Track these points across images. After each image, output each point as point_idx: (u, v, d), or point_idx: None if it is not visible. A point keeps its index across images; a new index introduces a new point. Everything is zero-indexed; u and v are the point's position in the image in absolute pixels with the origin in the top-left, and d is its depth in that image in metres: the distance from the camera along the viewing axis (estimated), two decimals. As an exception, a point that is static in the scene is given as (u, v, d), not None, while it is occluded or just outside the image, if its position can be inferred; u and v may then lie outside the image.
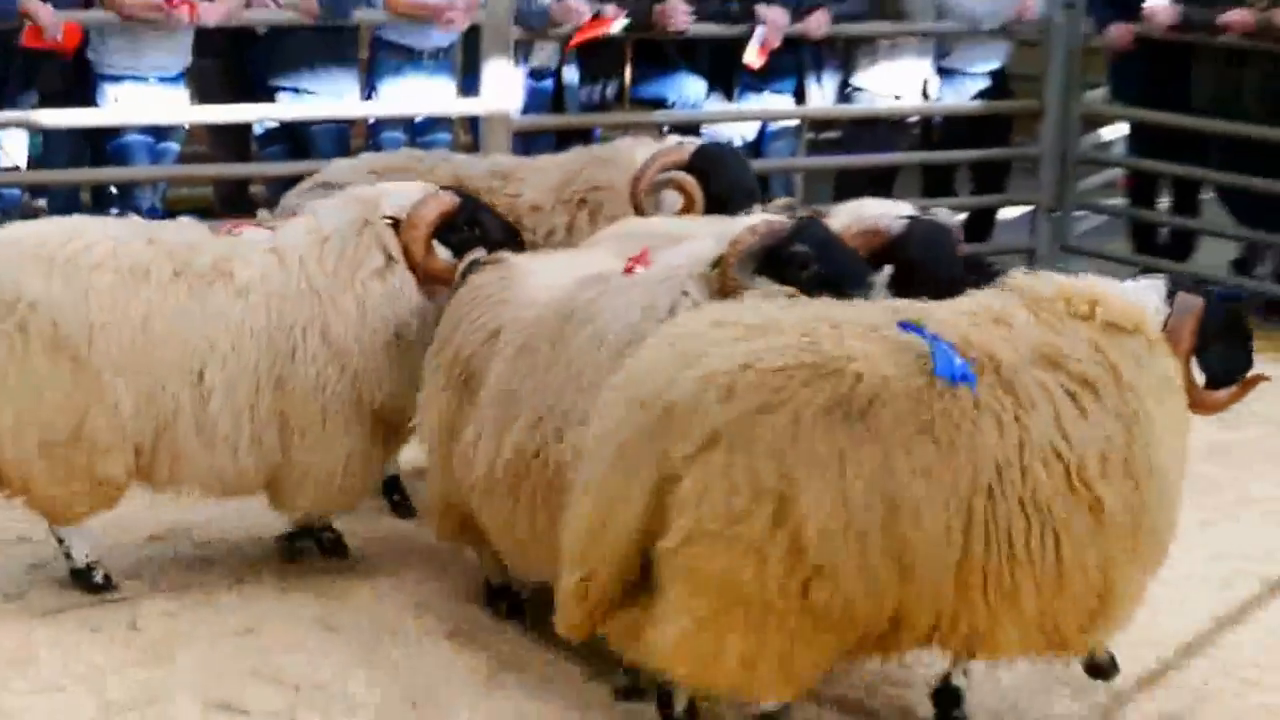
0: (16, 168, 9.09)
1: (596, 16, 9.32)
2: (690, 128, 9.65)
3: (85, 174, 9.19)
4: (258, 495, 5.99)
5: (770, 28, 9.63)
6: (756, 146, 10.44)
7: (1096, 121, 11.37)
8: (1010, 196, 11.57)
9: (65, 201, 9.21)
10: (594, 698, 5.10)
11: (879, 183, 10.39)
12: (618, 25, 9.37)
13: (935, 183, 11.22)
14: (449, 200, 5.67)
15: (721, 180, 5.85)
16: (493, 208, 6.01)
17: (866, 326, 4.41)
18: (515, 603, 5.68)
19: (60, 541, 5.73)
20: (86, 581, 5.68)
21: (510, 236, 5.76)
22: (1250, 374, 5.12)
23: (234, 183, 9.93)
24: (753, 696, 4.60)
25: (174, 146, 9.19)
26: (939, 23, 10.59)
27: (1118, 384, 4.60)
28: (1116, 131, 11.25)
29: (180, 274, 5.51)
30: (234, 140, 9.73)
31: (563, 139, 9.54)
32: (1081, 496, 4.37)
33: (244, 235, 5.92)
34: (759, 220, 5.02)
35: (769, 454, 4.13)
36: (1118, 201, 11.38)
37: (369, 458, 5.87)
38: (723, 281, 4.99)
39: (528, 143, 9.27)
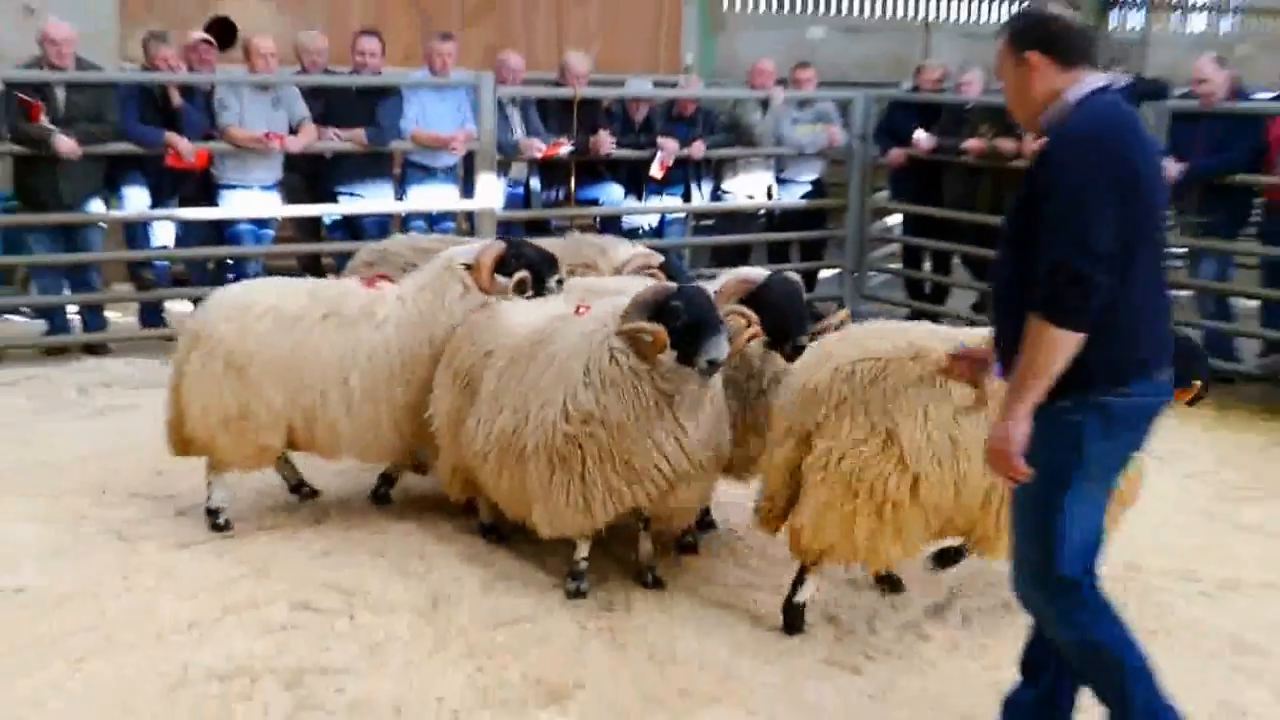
0: (165, 247, 9.22)
1: (553, 144, 9.73)
2: (613, 218, 10.38)
3: (211, 252, 9.36)
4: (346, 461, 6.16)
5: (666, 152, 10.18)
6: (658, 230, 10.80)
7: (881, 213, 11.68)
8: (826, 262, 11.77)
9: (198, 270, 9.53)
10: (557, 597, 5.15)
11: (740, 255, 10.90)
12: (565, 150, 9.81)
13: (777, 254, 11.34)
14: (501, 245, 5.87)
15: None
16: (531, 243, 6.08)
17: (940, 337, 4.77)
18: (501, 534, 5.77)
19: (208, 485, 5.86)
20: (214, 519, 5.82)
21: (546, 259, 5.86)
22: None
23: (310, 256, 9.93)
24: (874, 564, 4.90)
25: (270, 233, 9.58)
26: (777, 148, 10.94)
27: None
28: (895, 219, 11.61)
29: (329, 316, 5.74)
30: (310, 228, 9.91)
31: (530, 227, 9.93)
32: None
33: (382, 288, 6.00)
34: (655, 284, 5.23)
35: (878, 407, 4.55)
36: (897, 265, 11.71)
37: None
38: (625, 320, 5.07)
39: (507, 229, 9.53)
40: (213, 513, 5.86)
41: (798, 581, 4.92)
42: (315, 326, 5.77)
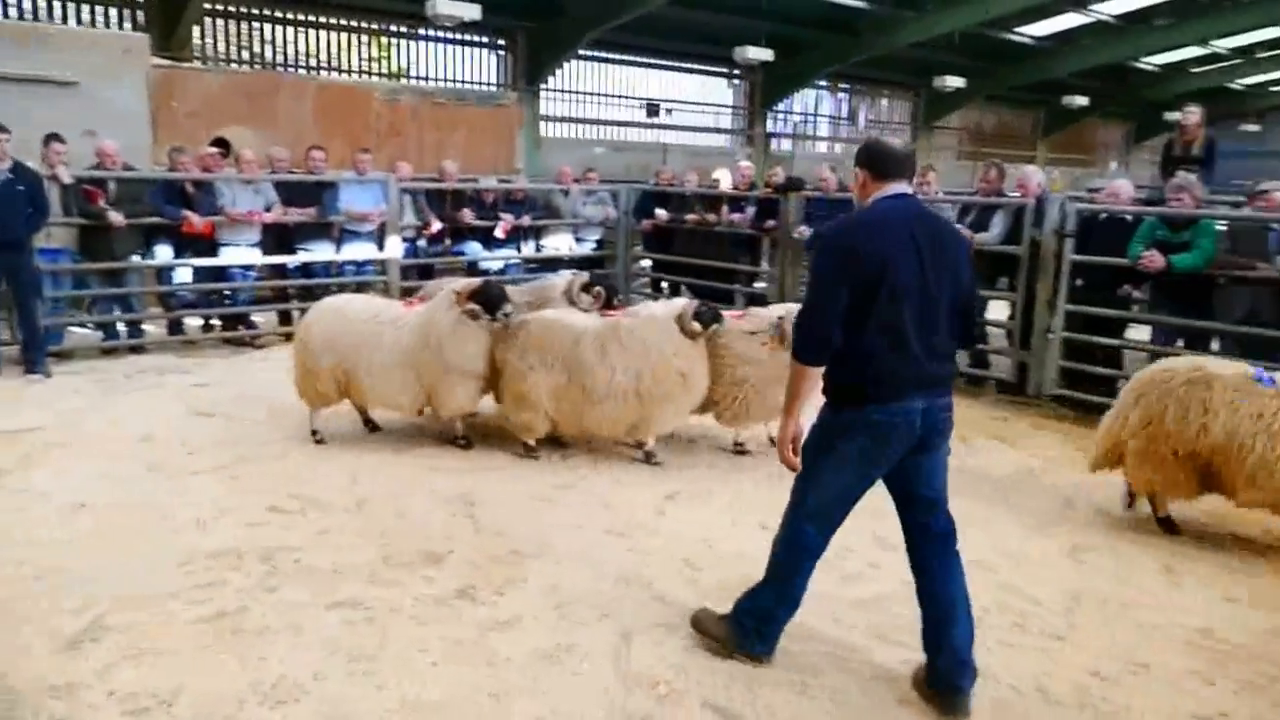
0: (184, 283, 8.81)
1: (428, 224, 9.72)
2: (474, 263, 10.14)
3: (213, 286, 8.92)
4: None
5: (506, 222, 10.11)
6: (503, 272, 10.40)
7: (639, 259, 11.48)
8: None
9: (202, 299, 9.11)
10: (437, 497, 5.09)
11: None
12: (436, 227, 9.78)
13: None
14: (475, 283, 5.77)
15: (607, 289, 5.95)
16: (493, 284, 5.79)
17: (1234, 372, 4.58)
18: (468, 444, 5.84)
19: (311, 419, 5.95)
20: (315, 436, 5.91)
21: (500, 295, 5.62)
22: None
23: (280, 289, 9.42)
24: (1161, 499, 4.81)
25: (253, 274, 9.16)
26: (574, 220, 10.91)
27: None
28: (646, 263, 11.46)
29: (372, 319, 5.77)
30: (280, 271, 9.36)
31: (420, 271, 9.88)
32: None
33: (415, 306, 5.99)
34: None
35: (1153, 406, 4.60)
36: (648, 291, 11.40)
37: (461, 391, 5.71)
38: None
39: (405, 272, 9.52)
40: (315, 432, 5.99)
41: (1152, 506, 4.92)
42: (366, 323, 5.78)
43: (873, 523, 4.66)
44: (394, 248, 9.53)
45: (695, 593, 4.00)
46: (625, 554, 4.40)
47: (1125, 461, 4.86)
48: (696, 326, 5.50)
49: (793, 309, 5.72)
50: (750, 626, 3.40)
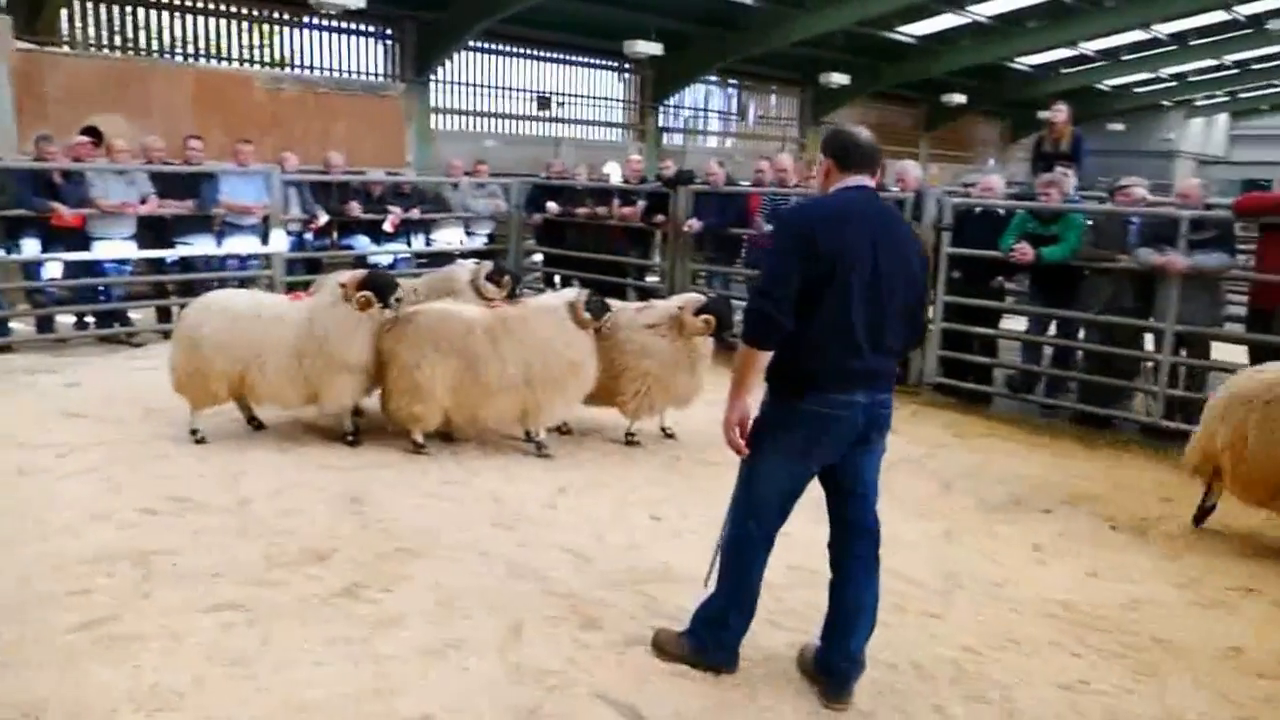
0: (54, 278, 8.39)
1: (314, 218, 9.50)
2: (363, 257, 9.85)
3: (85, 282, 8.50)
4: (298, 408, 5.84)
5: (395, 215, 9.92)
6: (393, 266, 10.18)
7: (530, 252, 11.50)
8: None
9: (74, 295, 8.63)
10: (323, 496, 5.12)
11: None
12: (323, 220, 9.55)
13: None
14: (362, 273, 5.63)
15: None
16: (381, 274, 5.87)
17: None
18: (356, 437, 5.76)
19: (191, 418, 5.72)
20: (195, 435, 5.70)
21: (389, 285, 5.58)
22: None
23: (158, 285, 9.11)
24: (1249, 500, 4.69)
25: (128, 269, 8.88)
26: (465, 213, 10.70)
27: None
28: (538, 256, 11.45)
29: (259, 314, 5.60)
30: (156, 266, 8.95)
31: (307, 265, 9.72)
32: None
33: (302, 299, 5.93)
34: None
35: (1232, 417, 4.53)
36: (540, 285, 11.10)
37: (348, 385, 5.59)
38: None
39: (291, 266, 9.33)
40: (195, 431, 5.79)
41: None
42: (250, 319, 5.60)
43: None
44: (279, 241, 9.27)
45: (585, 584, 4.02)
46: (515, 548, 4.37)
47: (1222, 479, 4.77)
48: (587, 316, 5.52)
49: (691, 299, 5.89)
50: (706, 637, 3.33)
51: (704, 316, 5.73)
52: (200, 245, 9.07)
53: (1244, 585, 4.30)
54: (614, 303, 6.08)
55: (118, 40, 13.78)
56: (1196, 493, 5.03)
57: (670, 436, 6.33)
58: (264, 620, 3.61)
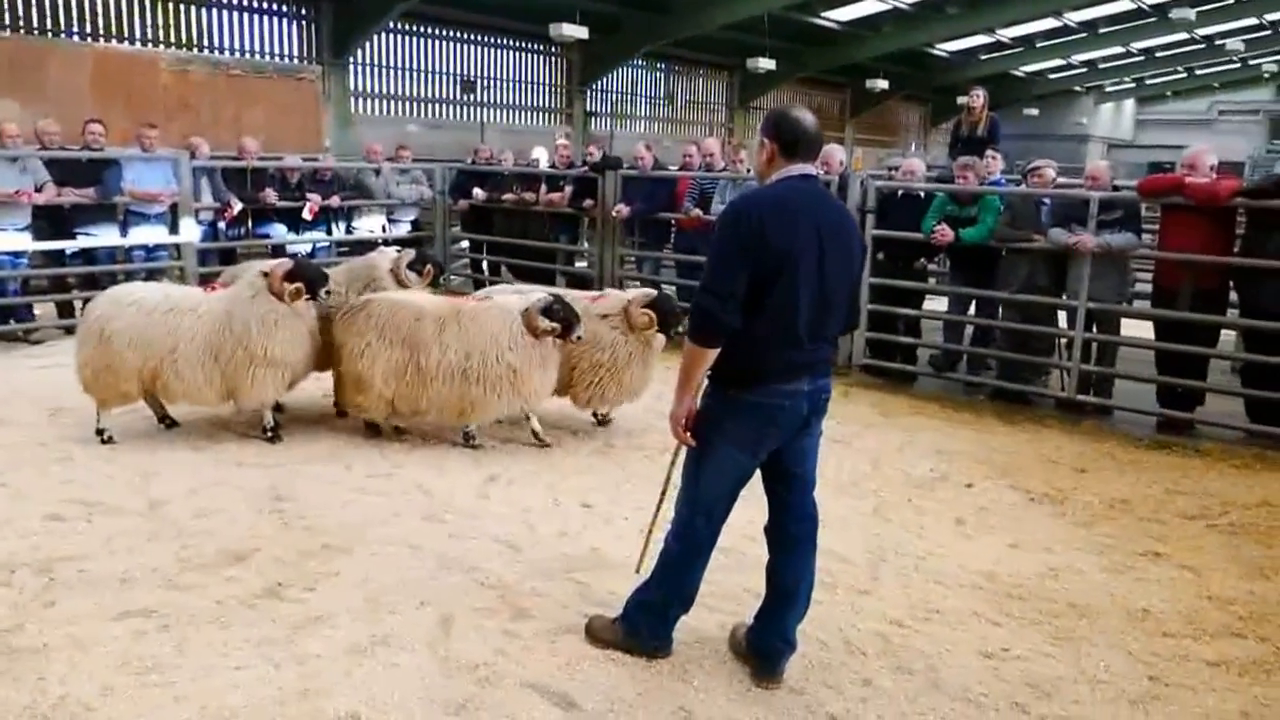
0: None
1: (228, 206, 9.22)
2: (280, 246, 9.64)
3: None
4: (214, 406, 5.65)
5: (313, 202, 9.73)
6: (312, 255, 9.81)
7: (457, 239, 11.36)
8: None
9: None
10: (241, 495, 5.12)
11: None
12: (237, 208, 9.27)
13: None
14: (289, 263, 5.53)
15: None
16: (310, 264, 5.75)
17: None
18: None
19: (98, 417, 5.57)
20: (102, 435, 5.53)
21: (319, 276, 5.52)
22: None
23: (58, 279, 8.77)
24: None
25: (24, 261, 8.39)
26: (388, 200, 10.57)
27: None
28: (465, 243, 11.37)
29: (171, 308, 5.40)
30: (56, 258, 8.62)
31: (223, 256, 9.49)
32: None
33: (217, 291, 5.67)
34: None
35: None
36: (468, 271, 11.39)
37: (269, 381, 5.43)
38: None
39: (203, 257, 9.09)
40: (100, 431, 5.62)
41: None
42: (165, 313, 5.40)
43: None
44: (189, 231, 8.98)
45: (516, 574, 4.00)
46: (444, 540, 4.33)
47: None
48: (543, 323, 5.35)
49: (647, 293, 5.87)
50: (642, 623, 3.33)
51: (645, 311, 5.67)
52: (104, 236, 8.72)
53: (1152, 550, 4.48)
54: (572, 293, 6.10)
55: (8, 19, 13.13)
56: (1110, 464, 5.22)
57: (604, 424, 6.30)
58: (179, 625, 3.50)
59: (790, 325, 2.94)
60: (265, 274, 5.44)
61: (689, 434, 3.09)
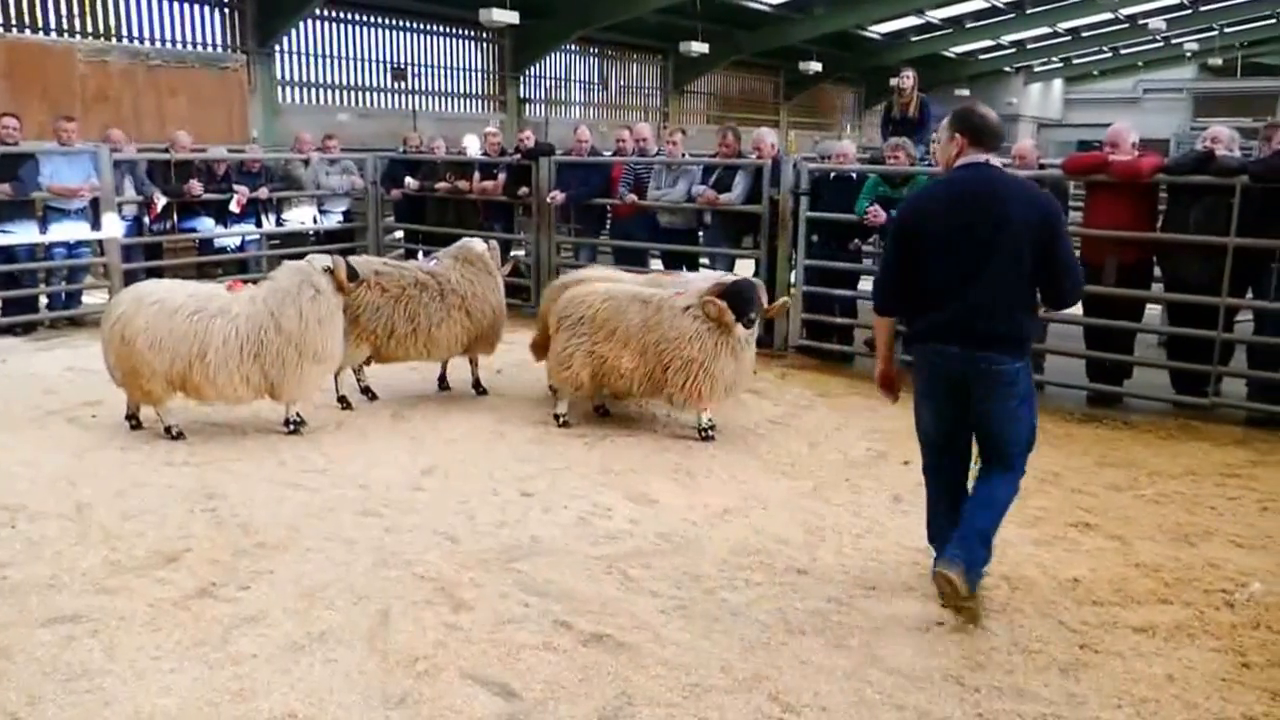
0: None
1: (152, 200, 9.03)
2: (208, 241, 9.70)
3: None
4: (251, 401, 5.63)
5: (240, 194, 9.55)
6: (241, 248, 9.99)
7: (390, 230, 11.12)
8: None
9: None
10: (173, 493, 5.06)
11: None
12: (161, 202, 9.09)
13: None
14: (348, 259, 5.74)
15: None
16: (350, 264, 5.70)
17: None
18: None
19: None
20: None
21: (354, 274, 5.64)
22: None
23: None
24: None
25: None
26: (318, 191, 10.41)
27: None
28: (399, 234, 11.14)
29: (198, 310, 5.37)
30: None
31: (149, 251, 9.34)
32: None
33: (242, 289, 5.67)
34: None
35: None
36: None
37: (315, 375, 5.58)
38: None
39: (128, 253, 8.90)
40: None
41: None
42: (184, 311, 5.37)
43: (631, 480, 4.81)
44: (112, 226, 8.77)
45: (454, 565, 3.97)
46: (381, 534, 4.30)
47: None
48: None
49: (720, 280, 5.63)
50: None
51: (711, 300, 5.41)
52: (21, 233, 8.52)
53: (1082, 521, 4.57)
54: (689, 276, 6.16)
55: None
56: (1041, 438, 5.31)
57: (708, 438, 5.75)
58: (109, 630, 3.42)
59: (947, 294, 3.45)
60: (329, 270, 5.56)
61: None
